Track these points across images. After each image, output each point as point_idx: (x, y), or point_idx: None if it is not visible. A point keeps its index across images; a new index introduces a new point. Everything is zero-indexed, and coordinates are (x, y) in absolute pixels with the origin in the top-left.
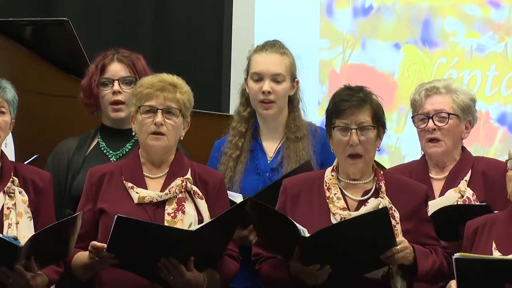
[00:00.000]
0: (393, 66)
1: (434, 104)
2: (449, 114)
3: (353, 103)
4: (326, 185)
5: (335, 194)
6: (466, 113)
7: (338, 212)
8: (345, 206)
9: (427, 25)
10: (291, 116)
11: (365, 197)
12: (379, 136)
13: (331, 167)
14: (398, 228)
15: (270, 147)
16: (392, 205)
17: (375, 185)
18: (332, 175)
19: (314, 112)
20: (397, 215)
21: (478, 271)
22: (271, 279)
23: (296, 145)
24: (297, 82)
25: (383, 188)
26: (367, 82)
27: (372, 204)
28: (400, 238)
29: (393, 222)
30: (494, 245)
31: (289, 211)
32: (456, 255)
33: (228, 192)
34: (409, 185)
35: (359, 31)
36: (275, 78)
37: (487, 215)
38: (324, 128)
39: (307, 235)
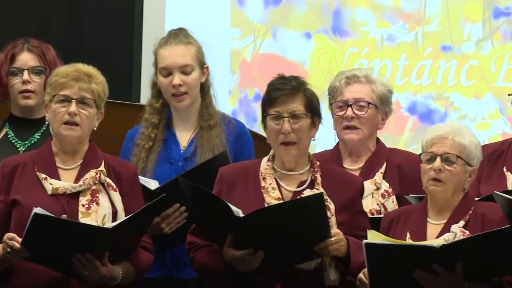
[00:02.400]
0: (304, 55)
1: (353, 92)
2: (368, 103)
3: (285, 92)
4: (261, 175)
5: (270, 184)
6: (384, 104)
7: (273, 202)
8: (280, 197)
9: (338, 14)
10: (203, 104)
11: (300, 188)
12: (314, 125)
13: (267, 157)
14: (333, 220)
15: (184, 136)
16: (327, 196)
17: (311, 176)
18: (268, 165)
19: (225, 101)
20: (332, 206)
21: (388, 257)
22: (206, 267)
23: (209, 134)
24: (207, 68)
25: (319, 180)
26: (277, 71)
27: (307, 195)
28: (335, 230)
29: (328, 213)
30: (408, 236)
31: (224, 200)
32: (365, 240)
33: (142, 178)
34: (345, 177)
35: (270, 20)
36: (184, 70)
37: (403, 207)
38: (239, 120)
39: (241, 215)
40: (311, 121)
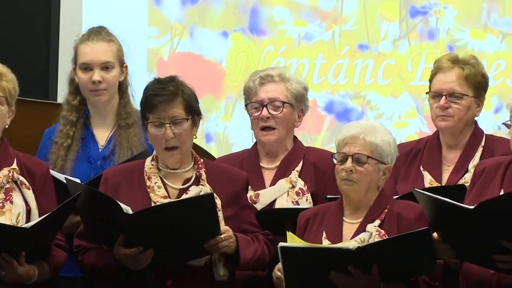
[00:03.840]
0: (221, 54)
1: (268, 92)
2: (283, 102)
3: (164, 98)
4: (146, 175)
5: (155, 183)
6: (299, 102)
7: (160, 200)
8: (166, 195)
9: (255, 13)
10: (121, 103)
11: (186, 185)
12: (195, 124)
13: (150, 157)
14: (220, 215)
15: (102, 135)
16: (214, 192)
17: (196, 173)
18: (152, 165)
19: None
20: (218, 202)
21: (303, 260)
22: (96, 267)
23: (127, 132)
24: (126, 67)
25: (204, 176)
26: (195, 70)
27: (193, 192)
28: (224, 227)
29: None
30: (324, 235)
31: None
32: (281, 243)
33: (57, 173)
34: (229, 172)
35: (187, 19)
36: (105, 66)
37: (320, 205)
38: None
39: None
40: (192, 122)
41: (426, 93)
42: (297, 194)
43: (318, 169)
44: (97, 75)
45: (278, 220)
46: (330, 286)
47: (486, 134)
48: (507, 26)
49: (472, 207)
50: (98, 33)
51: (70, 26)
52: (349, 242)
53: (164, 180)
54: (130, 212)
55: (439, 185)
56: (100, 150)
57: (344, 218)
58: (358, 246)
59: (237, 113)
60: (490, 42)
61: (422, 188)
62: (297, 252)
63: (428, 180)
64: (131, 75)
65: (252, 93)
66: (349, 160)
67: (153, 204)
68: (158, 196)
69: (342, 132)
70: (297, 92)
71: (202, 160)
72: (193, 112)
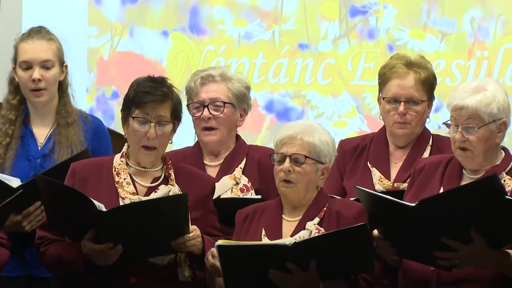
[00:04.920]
0: (161, 53)
1: (209, 92)
2: (224, 103)
3: (156, 98)
4: (115, 170)
5: (124, 179)
6: (241, 101)
7: (128, 196)
8: (135, 192)
9: (195, 12)
10: (61, 102)
11: (155, 184)
12: (174, 130)
13: (120, 153)
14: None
15: (41, 133)
16: (181, 193)
17: (164, 173)
18: (122, 161)
19: (82, 99)
20: None
21: (241, 257)
22: (60, 260)
23: (67, 131)
24: (66, 66)
25: (173, 176)
26: (135, 69)
27: (162, 191)
28: (192, 226)
29: None
30: (263, 232)
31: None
32: (218, 242)
33: (2, 175)
34: (197, 176)
35: (127, 18)
36: (45, 65)
37: (259, 203)
38: (96, 117)
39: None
40: (173, 126)
41: (383, 98)
42: (241, 190)
43: (262, 166)
44: (37, 73)
45: (227, 210)
46: (269, 284)
47: (432, 134)
48: (446, 25)
49: (413, 204)
50: (38, 32)
51: (9, 25)
52: (287, 239)
53: (133, 177)
54: (103, 209)
55: (389, 181)
56: (39, 148)
57: (283, 216)
58: (295, 242)
59: None
60: (430, 42)
61: (370, 183)
62: (235, 250)
63: (378, 177)
64: (71, 75)
65: (193, 93)
66: (287, 160)
67: (120, 200)
68: (127, 192)
69: (280, 132)
70: (239, 92)
71: (171, 161)
72: (177, 118)
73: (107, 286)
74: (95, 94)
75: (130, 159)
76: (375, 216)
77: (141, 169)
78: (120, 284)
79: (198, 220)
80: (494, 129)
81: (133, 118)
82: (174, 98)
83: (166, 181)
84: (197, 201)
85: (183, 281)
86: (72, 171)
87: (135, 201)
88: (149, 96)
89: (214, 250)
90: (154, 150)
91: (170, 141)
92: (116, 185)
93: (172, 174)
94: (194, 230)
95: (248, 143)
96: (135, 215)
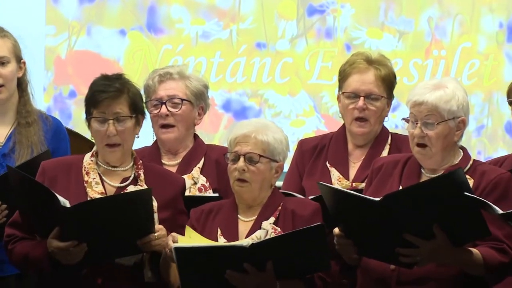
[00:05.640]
0: (119, 52)
1: (167, 89)
2: (182, 100)
3: (110, 94)
4: (85, 170)
5: (93, 178)
6: (199, 99)
7: (96, 196)
8: (103, 191)
9: (153, 11)
10: (21, 101)
11: (124, 184)
12: (138, 124)
13: (90, 153)
14: (155, 217)
15: (1, 132)
16: (151, 188)
17: (134, 173)
18: (92, 160)
19: (40, 98)
20: (155, 204)
21: (198, 259)
22: (27, 258)
23: (27, 131)
24: (24, 63)
25: (142, 177)
26: (92, 68)
27: (136, 190)
28: (158, 225)
29: None
30: (219, 232)
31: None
32: (174, 244)
33: None
34: (167, 176)
35: (85, 17)
36: (0, 62)
37: (214, 202)
38: (55, 117)
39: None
40: (135, 120)
41: (343, 93)
42: (199, 190)
43: (220, 166)
44: None
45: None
46: (226, 285)
47: (391, 133)
48: (404, 25)
49: (378, 199)
50: None
51: None
52: (244, 240)
53: (102, 176)
54: (68, 205)
55: (347, 181)
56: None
57: (238, 216)
58: (252, 243)
59: None
60: (387, 41)
61: (329, 183)
62: (191, 252)
63: (336, 176)
64: (28, 73)
65: (151, 91)
66: (241, 159)
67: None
68: (95, 192)
69: (233, 131)
70: (197, 90)
71: (141, 161)
72: (137, 111)
73: (73, 285)
74: (52, 93)
75: (99, 158)
76: (337, 213)
77: (110, 168)
78: (87, 285)
79: (167, 221)
80: (452, 126)
81: (92, 118)
82: (130, 92)
83: (135, 181)
84: (166, 202)
85: (149, 282)
86: (42, 169)
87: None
88: (103, 94)
89: (175, 235)
90: (118, 146)
91: (136, 136)
92: (85, 185)
93: (142, 174)
94: (160, 230)
95: (205, 142)
96: (98, 212)
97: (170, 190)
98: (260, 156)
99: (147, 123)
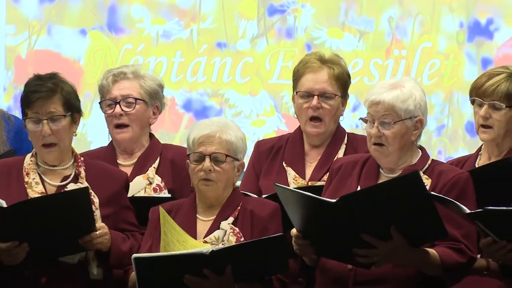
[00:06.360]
0: (79, 52)
1: (121, 89)
2: (136, 99)
3: (42, 94)
4: (25, 171)
5: (33, 179)
6: (154, 99)
7: (36, 196)
8: (44, 191)
9: (113, 11)
10: None
11: (64, 183)
12: (75, 122)
13: (30, 153)
14: (97, 214)
15: None
16: (92, 190)
17: (75, 171)
18: (32, 161)
19: (0, 97)
20: (96, 200)
21: (158, 267)
22: None
23: None
24: None
25: (83, 174)
26: (53, 68)
27: (71, 188)
28: (100, 223)
29: (92, 207)
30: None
31: None
32: (134, 255)
33: None
34: (109, 172)
35: (45, 17)
36: None
37: (174, 201)
38: (18, 117)
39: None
40: (71, 119)
41: (296, 92)
42: (155, 190)
43: (175, 165)
44: None
45: (139, 209)
46: None
47: (348, 133)
48: (364, 24)
49: (334, 200)
50: None
51: None
52: (203, 245)
53: (43, 176)
54: (4, 205)
55: (303, 180)
56: None
57: (197, 216)
58: (212, 250)
59: (95, 111)
60: (348, 41)
61: (285, 183)
62: (151, 262)
63: (292, 176)
64: None
65: (105, 91)
66: (207, 159)
67: None
68: (35, 192)
69: (195, 131)
70: (151, 89)
71: (82, 159)
72: (73, 109)
73: (17, 286)
74: (12, 92)
75: (39, 158)
76: (294, 214)
77: (50, 168)
78: (31, 284)
79: (110, 217)
80: (410, 126)
81: (27, 119)
82: (64, 91)
83: (76, 179)
84: (109, 197)
85: (94, 279)
86: None
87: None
88: (36, 94)
89: None
90: (54, 146)
91: (74, 134)
92: (26, 186)
93: (83, 172)
94: (102, 228)
95: (166, 142)
96: (35, 212)
97: (112, 186)
98: (226, 156)
99: (104, 123)
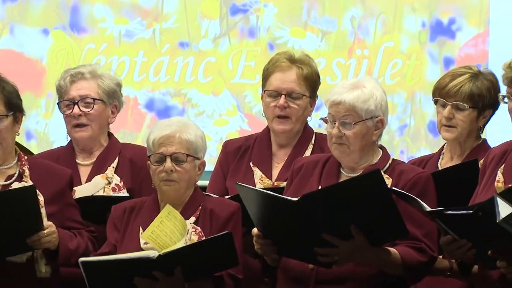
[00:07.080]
0: (42, 51)
1: (79, 89)
2: (94, 99)
3: None
4: None
5: None
6: (112, 98)
7: None
8: None
9: (76, 10)
10: None
11: (9, 182)
12: (17, 121)
13: None
14: (43, 212)
15: None
16: (36, 189)
17: (19, 170)
18: None
19: None
20: (41, 198)
21: (106, 271)
22: None
23: None
24: None
25: (27, 173)
26: (15, 67)
27: (17, 187)
28: (47, 222)
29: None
30: (141, 231)
31: None
32: (81, 259)
33: None
34: (52, 169)
35: (8, 16)
36: None
37: (136, 199)
38: None
39: None
40: (13, 118)
41: (264, 91)
42: (113, 190)
43: (134, 165)
44: None
45: (98, 209)
46: None
47: (315, 132)
48: (327, 24)
49: (295, 199)
50: None
51: None
52: (151, 251)
53: None
54: None
55: (270, 180)
56: None
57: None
58: (159, 254)
59: (57, 110)
60: (310, 40)
61: (252, 183)
62: (99, 265)
63: (259, 176)
64: None
65: (63, 91)
66: (168, 160)
67: None
68: None
69: (154, 132)
70: (109, 88)
71: (26, 157)
72: (14, 109)
73: None
74: None
75: None
76: (255, 213)
77: None
78: None
79: (55, 215)
80: (370, 126)
81: None
82: (5, 91)
83: (20, 178)
84: (53, 196)
85: (42, 278)
86: None
87: None
88: None
89: None
90: None
91: (17, 133)
92: None
93: (26, 170)
94: (49, 227)
95: (128, 142)
96: None
97: (56, 184)
98: (187, 155)
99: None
